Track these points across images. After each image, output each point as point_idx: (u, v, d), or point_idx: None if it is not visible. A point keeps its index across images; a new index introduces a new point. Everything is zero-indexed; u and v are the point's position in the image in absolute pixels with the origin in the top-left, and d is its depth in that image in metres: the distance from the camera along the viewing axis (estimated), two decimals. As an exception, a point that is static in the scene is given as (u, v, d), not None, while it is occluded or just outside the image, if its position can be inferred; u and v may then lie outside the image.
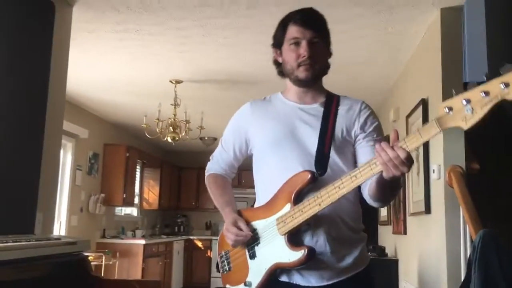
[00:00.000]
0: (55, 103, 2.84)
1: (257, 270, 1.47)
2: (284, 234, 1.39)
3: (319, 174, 1.41)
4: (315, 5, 2.91)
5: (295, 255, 1.37)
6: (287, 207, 1.40)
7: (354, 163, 1.50)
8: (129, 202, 7.03)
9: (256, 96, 5.77)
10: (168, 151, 8.88)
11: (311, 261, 1.37)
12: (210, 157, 1.76)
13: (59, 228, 5.50)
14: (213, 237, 8.74)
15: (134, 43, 3.70)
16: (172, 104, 4.80)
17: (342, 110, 1.52)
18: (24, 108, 2.53)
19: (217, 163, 1.72)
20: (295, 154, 1.46)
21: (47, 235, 2.52)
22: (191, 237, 8.76)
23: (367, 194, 1.44)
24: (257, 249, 1.47)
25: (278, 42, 1.55)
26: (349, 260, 1.44)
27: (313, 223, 1.39)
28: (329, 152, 1.45)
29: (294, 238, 1.40)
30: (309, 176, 1.38)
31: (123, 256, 6.43)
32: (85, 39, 3.60)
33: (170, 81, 4.66)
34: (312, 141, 1.47)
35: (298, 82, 1.52)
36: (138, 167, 7.49)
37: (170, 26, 3.33)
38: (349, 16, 3.02)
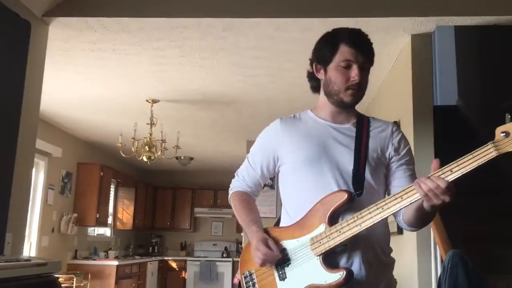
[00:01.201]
0: (28, 121, 2.80)
1: None
2: (320, 255, 1.35)
3: (357, 194, 1.39)
4: (290, 28, 2.98)
5: (332, 277, 1.33)
6: (322, 227, 1.36)
7: (386, 185, 1.50)
8: (102, 222, 6.91)
9: (231, 116, 5.80)
10: (143, 171, 8.81)
11: (348, 284, 1.32)
12: (235, 174, 1.69)
13: (29, 248, 5.36)
14: (188, 258, 8.65)
15: (111, 62, 3.70)
16: (148, 123, 4.79)
17: (374, 131, 1.51)
18: (-4, 126, 2.49)
19: (243, 181, 1.65)
20: (330, 173, 1.43)
21: (16, 256, 2.46)
22: (166, 258, 8.64)
23: (402, 218, 1.43)
24: (288, 270, 1.42)
25: (323, 59, 1.49)
26: (383, 285, 1.43)
27: (349, 244, 1.36)
28: (364, 173, 1.44)
29: (330, 259, 1.35)
30: (347, 195, 1.35)
31: (95, 277, 6.30)
32: (60, 57, 3.58)
33: (147, 100, 4.66)
34: (346, 161, 1.44)
35: (341, 104, 1.49)
36: (112, 186, 7.39)
37: (147, 46, 3.35)
38: (323, 40, 3.10)
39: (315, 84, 1.57)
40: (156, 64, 3.71)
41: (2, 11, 2.51)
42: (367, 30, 2.97)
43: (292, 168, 1.51)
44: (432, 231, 2.66)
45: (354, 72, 1.44)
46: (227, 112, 5.06)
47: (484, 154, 1.19)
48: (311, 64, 1.56)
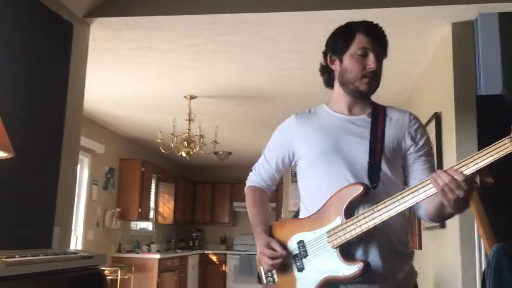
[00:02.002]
0: (72, 119, 2.91)
1: (306, 282, 1.43)
2: (336, 247, 1.37)
3: (373, 187, 1.39)
4: (325, 22, 2.95)
5: (349, 269, 1.34)
6: (338, 219, 1.38)
7: (403, 176, 1.49)
8: (144, 217, 7.09)
9: (269, 111, 5.80)
10: (182, 166, 8.96)
11: (365, 275, 1.34)
12: (253, 168, 1.73)
13: (76, 242, 5.57)
14: (228, 252, 8.75)
15: (149, 60, 3.78)
16: (186, 119, 4.87)
17: (390, 121, 1.51)
18: (43, 124, 2.59)
19: (259, 175, 1.69)
20: (345, 165, 1.44)
21: (64, 250, 2.57)
22: (206, 252, 8.77)
23: (424, 211, 1.43)
24: (305, 261, 1.44)
25: (338, 49, 1.51)
26: (401, 275, 1.43)
27: (366, 236, 1.37)
28: (381, 164, 1.44)
29: (346, 251, 1.37)
30: (362, 188, 1.36)
31: (139, 270, 6.47)
32: (102, 57, 3.68)
33: (185, 97, 4.73)
34: (361, 153, 1.45)
35: (357, 93, 1.49)
36: (153, 181, 7.56)
37: (182, 43, 3.40)
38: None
39: (327, 77, 1.58)
40: (192, 61, 3.76)
41: (46, 13, 2.61)
42: (406, 20, 2.95)
43: (308, 162, 1.53)
44: (476, 225, 2.59)
45: (371, 60, 1.45)
46: (264, 106, 5.07)
47: (500, 149, 1.18)
48: (325, 56, 1.56)
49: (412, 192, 1.29)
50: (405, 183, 1.50)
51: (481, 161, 1.20)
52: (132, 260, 6.53)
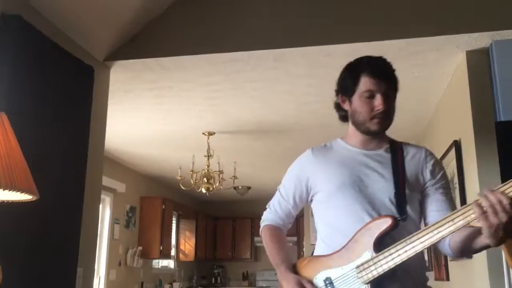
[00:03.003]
0: (94, 160, 2.96)
1: None
2: (368, 283, 1.34)
3: (402, 220, 1.38)
4: (340, 56, 3.00)
5: None
6: (367, 254, 1.36)
7: (421, 211, 1.49)
8: (166, 254, 7.06)
9: (286, 144, 5.81)
10: (203, 202, 8.97)
11: None
12: (267, 206, 1.71)
13: (98, 282, 5.56)
14: (251, 288, 8.63)
15: (168, 99, 3.86)
16: (205, 156, 4.91)
17: (407, 156, 1.51)
18: (66, 166, 2.65)
19: (275, 213, 1.67)
20: (365, 199, 1.44)
21: (87, 290, 2.57)
22: (229, 288, 8.66)
23: (449, 243, 1.41)
24: None
25: (346, 90, 1.52)
26: None
27: (397, 271, 1.34)
28: (406, 198, 1.43)
29: (378, 286, 1.35)
30: (391, 221, 1.35)
31: (161, 309, 6.40)
32: (122, 98, 3.78)
33: (203, 133, 4.79)
34: (381, 187, 1.45)
35: (369, 133, 1.51)
36: (174, 218, 7.57)
37: (201, 82, 3.48)
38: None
39: (343, 114, 1.58)
40: (210, 98, 3.83)
41: (68, 58, 2.71)
42: (419, 50, 2.97)
43: (326, 195, 1.52)
44: (503, 253, 2.52)
45: (378, 101, 1.45)
46: (282, 140, 5.10)
47: None
48: (337, 95, 1.58)
49: (448, 222, 1.26)
50: (423, 217, 1.49)
51: None
52: (155, 299, 6.48)
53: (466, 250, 1.39)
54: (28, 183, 1.56)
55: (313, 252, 1.57)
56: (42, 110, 2.49)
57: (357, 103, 1.49)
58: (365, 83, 1.46)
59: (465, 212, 1.24)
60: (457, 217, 1.25)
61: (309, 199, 1.61)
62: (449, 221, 1.26)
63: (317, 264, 1.46)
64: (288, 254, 1.60)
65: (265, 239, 1.65)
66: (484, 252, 2.71)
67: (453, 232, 1.27)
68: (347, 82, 1.52)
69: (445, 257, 3.76)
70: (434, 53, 2.99)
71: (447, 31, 2.78)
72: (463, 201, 3.13)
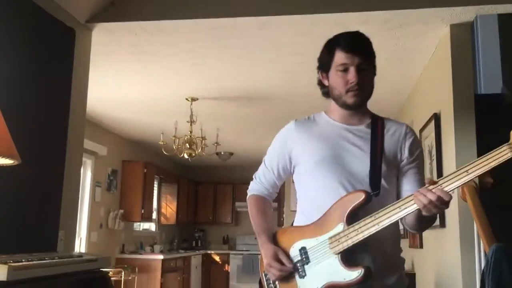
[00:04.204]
0: (76, 123, 2.94)
1: None
2: (338, 254, 1.39)
3: (375, 195, 1.43)
4: (325, 25, 2.98)
5: (350, 275, 1.37)
6: (340, 226, 1.40)
7: (397, 186, 1.54)
8: (147, 218, 7.13)
9: (270, 112, 5.82)
10: (185, 167, 9.00)
11: (367, 282, 1.36)
12: (253, 176, 1.74)
13: (79, 244, 5.60)
14: (231, 252, 8.79)
15: (151, 64, 3.81)
16: (188, 121, 4.90)
17: (388, 132, 1.55)
18: (47, 129, 2.63)
19: (260, 183, 1.71)
20: (344, 173, 1.48)
21: (69, 253, 2.60)
22: (209, 252, 8.81)
23: (404, 221, 1.48)
24: (307, 268, 1.46)
25: (324, 66, 1.56)
26: (393, 280, 1.47)
27: (362, 245, 1.39)
28: (381, 174, 1.48)
29: (347, 257, 1.40)
30: (364, 195, 1.39)
31: (142, 271, 6.51)
32: (103, 61, 3.72)
33: (186, 99, 4.76)
34: (360, 162, 1.49)
35: (346, 106, 1.53)
36: (155, 182, 7.60)
37: (184, 47, 3.43)
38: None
39: (325, 90, 1.61)
40: (194, 64, 3.79)
41: (49, 19, 2.65)
42: (404, 22, 2.98)
43: (306, 168, 1.56)
44: (475, 225, 2.62)
45: (351, 74, 1.48)
46: (265, 107, 5.11)
47: (499, 156, 1.22)
48: (318, 72, 1.61)
49: (410, 201, 1.34)
50: (397, 193, 1.54)
51: (480, 167, 1.25)
52: (136, 261, 6.58)
53: (418, 226, 1.49)
54: (10, 148, 1.56)
55: (293, 223, 1.63)
56: (23, 73, 2.45)
57: (333, 78, 1.53)
58: (338, 57, 1.50)
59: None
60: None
61: (292, 170, 1.64)
62: (409, 201, 1.34)
63: (295, 234, 1.52)
64: (270, 224, 1.65)
65: (250, 209, 1.70)
66: (456, 221, 2.82)
67: (413, 211, 1.34)
68: (324, 57, 1.56)
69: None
70: (419, 25, 3.00)
71: (433, 4, 2.79)
72: (440, 173, 3.21)
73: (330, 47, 1.54)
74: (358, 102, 1.52)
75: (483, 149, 3.03)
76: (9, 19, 2.34)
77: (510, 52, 4.78)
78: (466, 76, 2.94)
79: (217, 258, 8.74)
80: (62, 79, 2.81)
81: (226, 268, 8.64)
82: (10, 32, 2.36)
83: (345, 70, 1.49)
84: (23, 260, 1.83)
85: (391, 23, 2.96)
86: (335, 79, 1.51)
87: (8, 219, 2.28)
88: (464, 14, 2.83)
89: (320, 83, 1.61)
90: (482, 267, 2.51)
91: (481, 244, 2.60)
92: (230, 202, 9.09)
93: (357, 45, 1.50)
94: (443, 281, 3.20)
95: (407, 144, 1.54)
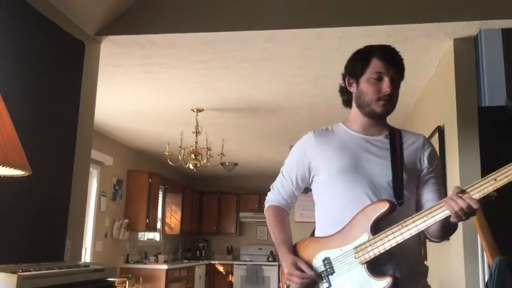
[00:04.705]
0: (84, 133, 2.98)
1: None
2: (365, 263, 1.40)
3: (399, 204, 1.44)
4: (330, 38, 3.02)
5: (378, 284, 1.37)
6: (365, 236, 1.41)
7: (417, 195, 1.56)
8: (152, 227, 7.14)
9: (274, 123, 5.85)
10: (190, 177, 9.02)
11: None
12: (271, 187, 1.75)
13: (84, 253, 5.63)
14: (234, 262, 8.78)
15: (158, 76, 3.86)
16: (193, 132, 4.94)
17: (406, 143, 1.58)
18: (56, 139, 2.67)
19: (278, 194, 1.71)
20: (365, 183, 1.49)
21: (76, 262, 2.63)
22: (213, 262, 8.80)
23: (427, 230, 1.48)
24: (332, 278, 1.46)
25: (355, 73, 1.58)
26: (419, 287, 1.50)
27: (394, 252, 1.40)
28: (403, 183, 1.50)
29: (374, 267, 1.40)
30: (388, 205, 1.40)
31: (146, 281, 6.52)
32: (112, 73, 3.77)
33: (192, 110, 4.81)
34: (381, 172, 1.50)
35: (373, 115, 1.56)
36: (160, 192, 7.62)
37: (191, 59, 3.48)
38: (364, 47, 3.12)
39: (346, 98, 1.64)
40: (200, 76, 3.84)
41: (59, 32, 2.70)
42: (408, 36, 3.01)
43: (326, 178, 1.57)
44: (479, 237, 2.63)
45: (386, 83, 1.51)
46: (270, 119, 5.14)
47: None
48: (344, 79, 1.63)
49: (440, 207, 1.36)
50: (417, 204, 1.56)
51: (508, 176, 1.30)
52: (140, 271, 6.59)
53: (443, 231, 1.50)
54: (21, 159, 1.59)
55: (313, 233, 1.63)
56: (33, 85, 2.49)
57: (364, 85, 1.54)
58: (375, 65, 1.53)
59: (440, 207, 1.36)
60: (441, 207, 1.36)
61: (310, 180, 1.66)
62: (438, 208, 1.36)
63: (317, 245, 1.52)
64: (290, 235, 1.65)
65: (268, 220, 1.70)
66: (460, 234, 2.83)
67: (443, 217, 1.36)
68: (356, 64, 1.58)
69: (424, 238, 3.89)
70: (423, 39, 3.03)
71: (436, 18, 2.83)
72: (444, 186, 3.22)
73: (365, 54, 1.57)
74: (385, 112, 1.55)
75: (487, 162, 3.04)
76: (19, 33, 2.40)
77: (513, 65, 4.80)
78: (470, 89, 2.97)
79: (221, 268, 8.73)
80: (71, 91, 2.86)
81: (230, 278, 8.62)
82: (20, 44, 2.41)
83: (379, 79, 1.52)
84: (31, 270, 1.86)
85: (395, 37, 2.99)
86: (367, 86, 1.54)
87: (16, 229, 2.31)
88: (467, 28, 2.87)
89: (344, 90, 1.64)
90: (486, 280, 2.52)
91: (485, 257, 2.61)
92: (234, 212, 9.10)
93: (393, 58, 1.55)
94: (447, 293, 3.20)
95: (426, 154, 1.57)
